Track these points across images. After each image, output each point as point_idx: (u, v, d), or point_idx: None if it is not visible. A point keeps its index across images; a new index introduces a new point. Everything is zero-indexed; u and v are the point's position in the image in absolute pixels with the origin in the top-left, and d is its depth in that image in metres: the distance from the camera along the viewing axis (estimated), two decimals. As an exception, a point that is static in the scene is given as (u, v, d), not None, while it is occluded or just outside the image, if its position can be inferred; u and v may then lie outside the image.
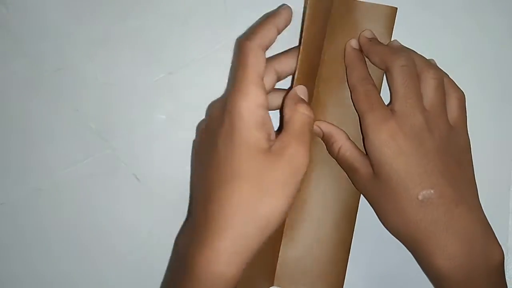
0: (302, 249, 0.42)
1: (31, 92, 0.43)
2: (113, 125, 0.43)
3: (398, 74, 0.38)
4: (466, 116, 0.40)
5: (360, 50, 0.41)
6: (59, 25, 0.43)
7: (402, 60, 0.38)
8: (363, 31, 0.41)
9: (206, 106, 0.43)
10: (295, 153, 0.33)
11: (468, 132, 0.40)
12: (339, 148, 0.40)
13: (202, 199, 0.35)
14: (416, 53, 0.40)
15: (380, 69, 0.40)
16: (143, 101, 0.43)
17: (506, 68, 0.42)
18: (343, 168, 0.41)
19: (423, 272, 0.39)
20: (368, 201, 0.40)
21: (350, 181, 0.41)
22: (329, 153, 0.41)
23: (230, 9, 0.43)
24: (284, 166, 0.33)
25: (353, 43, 0.41)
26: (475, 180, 0.38)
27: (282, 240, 0.42)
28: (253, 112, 0.33)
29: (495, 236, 0.37)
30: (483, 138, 0.42)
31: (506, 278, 0.42)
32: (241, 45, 0.34)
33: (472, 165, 0.39)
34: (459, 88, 0.40)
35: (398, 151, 0.36)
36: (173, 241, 0.42)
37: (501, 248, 0.36)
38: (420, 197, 0.36)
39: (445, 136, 0.37)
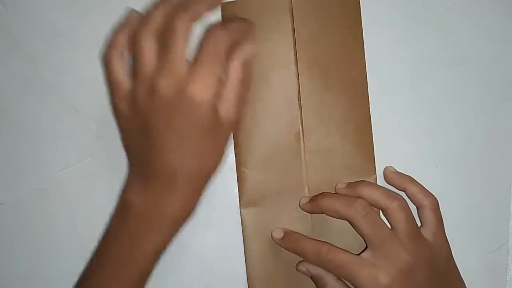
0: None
1: (31, 92, 0.43)
2: (113, 125, 0.43)
3: (363, 225, 0.38)
4: (442, 222, 0.40)
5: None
6: (59, 25, 0.43)
7: (360, 211, 0.38)
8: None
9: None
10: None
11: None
12: None
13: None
14: (371, 186, 0.40)
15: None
16: (143, 101, 0.43)
17: (506, 68, 0.42)
18: None
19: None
20: None
21: None
22: None
23: (230, 9, 0.43)
24: None
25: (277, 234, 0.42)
26: (461, 277, 0.40)
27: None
28: None
29: None
30: (484, 138, 0.42)
31: (507, 279, 0.42)
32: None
33: (455, 264, 0.40)
34: (430, 194, 0.41)
35: None
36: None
37: None
38: None
39: (429, 256, 0.39)
